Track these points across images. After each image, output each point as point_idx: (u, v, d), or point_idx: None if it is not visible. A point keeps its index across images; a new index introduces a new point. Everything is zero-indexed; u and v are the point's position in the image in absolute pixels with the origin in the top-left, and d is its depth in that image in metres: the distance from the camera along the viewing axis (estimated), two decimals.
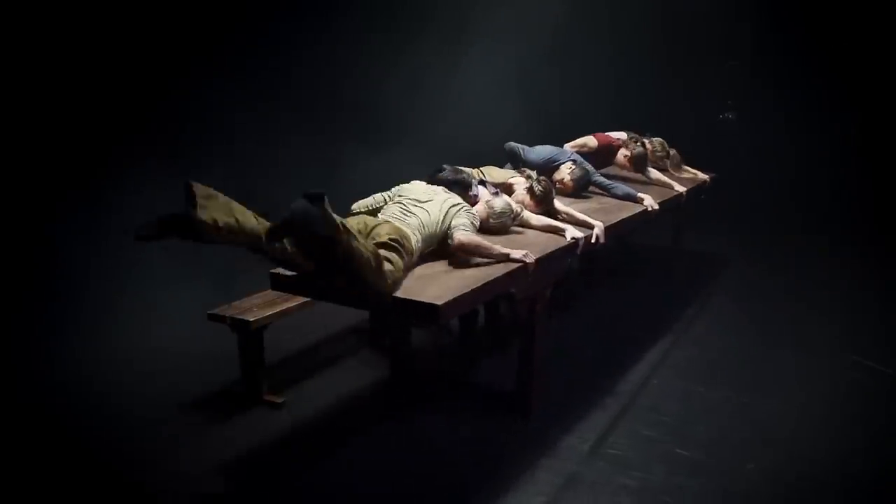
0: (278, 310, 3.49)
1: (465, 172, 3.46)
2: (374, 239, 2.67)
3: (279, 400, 3.49)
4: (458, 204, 3.08)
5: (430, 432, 3.31)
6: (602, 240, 3.68)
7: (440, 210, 2.98)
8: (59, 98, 5.01)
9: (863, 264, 6.06)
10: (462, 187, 3.32)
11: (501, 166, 4.34)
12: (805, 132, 7.56)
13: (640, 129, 5.54)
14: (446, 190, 3.18)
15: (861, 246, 6.53)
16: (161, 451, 3.09)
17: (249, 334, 3.39)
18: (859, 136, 7.39)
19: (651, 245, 6.27)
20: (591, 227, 3.67)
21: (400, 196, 3.07)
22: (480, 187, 3.51)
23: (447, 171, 3.37)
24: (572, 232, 3.47)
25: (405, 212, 2.93)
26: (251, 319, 3.34)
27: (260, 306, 3.52)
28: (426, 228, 2.91)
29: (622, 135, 5.21)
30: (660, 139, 5.55)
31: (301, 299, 3.65)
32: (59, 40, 5.00)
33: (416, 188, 3.12)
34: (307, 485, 2.85)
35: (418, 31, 7.33)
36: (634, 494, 2.78)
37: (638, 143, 5.08)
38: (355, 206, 3.16)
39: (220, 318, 3.41)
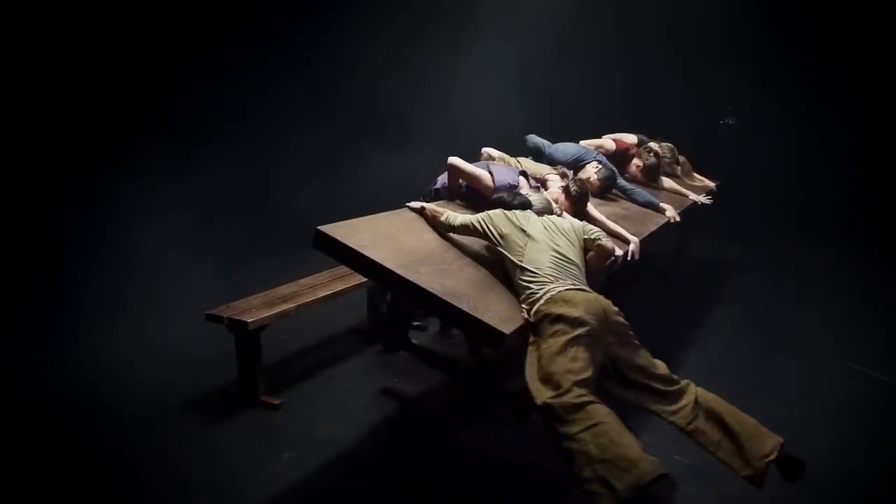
0: (276, 311, 3.49)
1: (523, 196, 3.23)
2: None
3: (276, 401, 3.49)
4: (575, 225, 2.97)
5: (428, 432, 3.31)
6: (637, 257, 3.59)
7: (579, 243, 2.88)
8: (60, 98, 5.03)
9: (863, 271, 6.05)
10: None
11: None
12: (805, 136, 7.55)
13: (643, 129, 5.50)
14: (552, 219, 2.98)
15: (861, 252, 6.51)
16: (157, 451, 3.08)
17: (247, 335, 3.38)
18: (857, 136, 7.37)
19: (652, 250, 6.25)
20: (626, 240, 3.58)
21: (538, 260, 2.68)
22: (521, 178, 3.47)
23: (509, 196, 3.14)
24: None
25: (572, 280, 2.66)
26: (249, 320, 3.33)
27: (258, 307, 3.52)
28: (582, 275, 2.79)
29: (632, 138, 5.17)
30: (669, 145, 5.52)
31: (298, 300, 3.66)
32: (62, 40, 5.01)
33: (539, 233, 2.78)
34: (304, 486, 2.85)
35: (424, 30, 7.35)
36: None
37: (650, 153, 5.01)
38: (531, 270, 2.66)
39: (217, 319, 3.41)
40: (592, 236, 2.92)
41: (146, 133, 5.49)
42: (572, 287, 2.58)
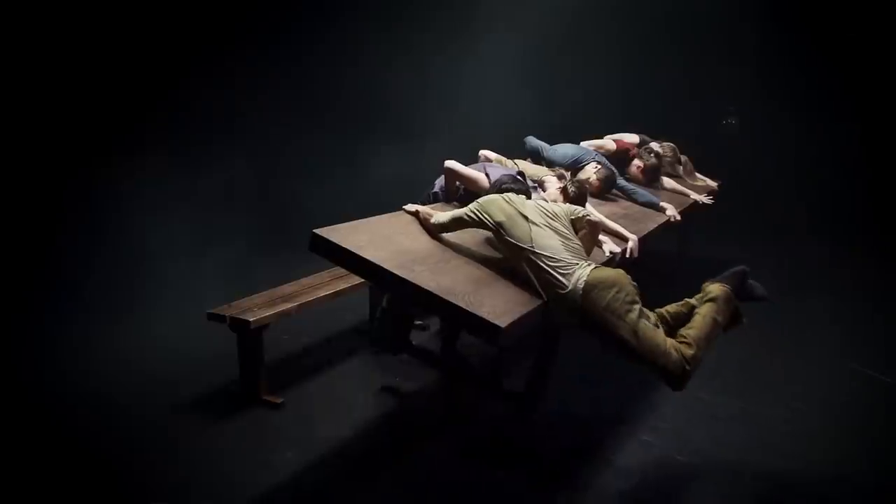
0: (278, 310, 3.49)
1: (522, 182, 3.27)
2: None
3: (277, 400, 3.49)
4: (563, 208, 2.98)
5: (429, 432, 3.31)
6: (636, 254, 3.58)
7: (570, 224, 2.89)
8: (64, 96, 5.03)
9: (864, 271, 6.04)
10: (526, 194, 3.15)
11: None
12: (806, 135, 7.54)
13: (645, 129, 5.49)
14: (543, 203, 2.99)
15: (862, 252, 6.50)
16: (158, 451, 3.09)
17: (249, 334, 3.39)
18: (858, 136, 7.35)
19: (652, 249, 6.24)
20: (625, 238, 3.58)
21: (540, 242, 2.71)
22: (518, 179, 3.46)
23: (507, 177, 3.16)
24: (610, 246, 3.38)
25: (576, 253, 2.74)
26: (251, 319, 3.33)
27: (260, 306, 3.52)
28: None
29: (634, 138, 5.16)
30: (671, 144, 5.51)
31: (300, 300, 3.66)
32: (70, 38, 5.02)
33: (538, 218, 2.78)
34: (304, 486, 2.85)
35: (427, 31, 7.36)
36: (631, 500, 2.77)
37: (651, 154, 4.99)
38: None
39: (219, 318, 3.41)
40: (580, 214, 2.93)
41: (148, 132, 5.50)
42: (589, 266, 2.65)
